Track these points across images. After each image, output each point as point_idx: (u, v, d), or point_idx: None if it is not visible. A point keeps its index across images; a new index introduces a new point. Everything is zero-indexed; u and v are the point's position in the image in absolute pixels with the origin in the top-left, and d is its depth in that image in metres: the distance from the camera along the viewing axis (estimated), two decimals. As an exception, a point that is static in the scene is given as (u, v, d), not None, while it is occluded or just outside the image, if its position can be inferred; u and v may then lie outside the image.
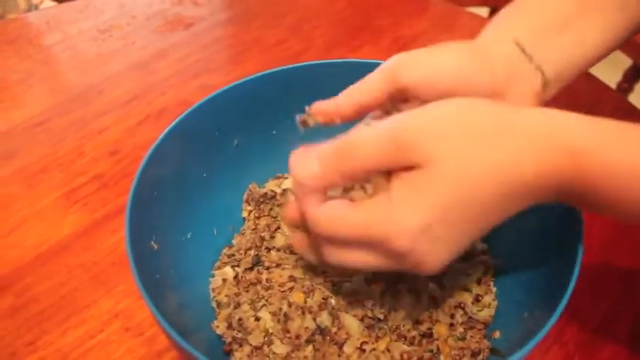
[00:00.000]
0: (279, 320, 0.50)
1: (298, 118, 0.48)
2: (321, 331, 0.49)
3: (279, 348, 0.49)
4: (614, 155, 0.36)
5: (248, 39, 0.92)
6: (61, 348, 0.55)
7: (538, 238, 0.51)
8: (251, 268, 0.55)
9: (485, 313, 0.51)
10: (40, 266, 0.62)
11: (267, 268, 0.54)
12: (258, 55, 0.89)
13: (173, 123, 0.52)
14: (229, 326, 0.51)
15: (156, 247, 0.49)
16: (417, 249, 0.37)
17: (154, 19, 0.96)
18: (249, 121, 0.58)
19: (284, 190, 0.60)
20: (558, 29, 0.47)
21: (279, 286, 0.52)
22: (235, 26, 0.97)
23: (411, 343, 0.49)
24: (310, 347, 0.48)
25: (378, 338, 0.49)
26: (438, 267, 0.39)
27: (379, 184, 0.38)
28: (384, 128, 0.37)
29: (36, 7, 1.57)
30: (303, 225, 0.44)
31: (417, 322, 0.50)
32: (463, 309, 0.51)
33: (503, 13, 0.50)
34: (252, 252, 0.56)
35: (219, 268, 0.56)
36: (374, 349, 0.48)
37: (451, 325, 0.50)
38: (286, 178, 0.61)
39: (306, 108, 0.48)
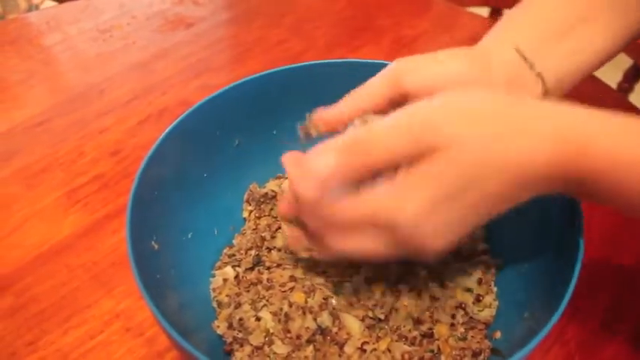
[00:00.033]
0: (279, 320, 0.50)
1: (300, 128, 0.48)
2: (322, 331, 0.49)
3: (280, 348, 0.49)
4: (618, 147, 0.36)
5: (249, 39, 0.92)
6: (62, 348, 0.55)
7: (539, 238, 0.51)
8: (252, 268, 0.55)
9: (486, 313, 0.51)
10: (40, 266, 0.62)
11: (268, 268, 0.54)
12: (258, 55, 0.89)
13: (174, 123, 0.52)
14: (230, 326, 0.51)
15: (156, 247, 0.49)
16: (419, 232, 0.38)
17: (154, 18, 0.96)
18: (250, 121, 0.58)
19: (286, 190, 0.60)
20: (560, 36, 0.47)
21: (279, 286, 0.52)
22: (236, 26, 0.97)
23: (412, 344, 0.49)
24: (311, 347, 0.48)
25: (378, 338, 0.49)
26: (439, 252, 0.39)
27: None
28: (401, 117, 0.38)
29: (36, 7, 1.57)
30: (297, 219, 0.45)
31: (417, 322, 0.50)
32: (464, 309, 0.51)
33: (505, 19, 0.50)
34: (252, 252, 0.56)
35: (219, 268, 0.56)
36: (375, 350, 0.48)
37: (452, 325, 0.50)
38: (287, 178, 0.61)
39: (307, 116, 0.48)
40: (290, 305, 0.50)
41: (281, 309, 0.50)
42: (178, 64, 0.87)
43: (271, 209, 0.59)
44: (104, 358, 0.55)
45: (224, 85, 0.55)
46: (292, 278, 0.52)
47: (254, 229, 0.58)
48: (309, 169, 0.39)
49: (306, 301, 0.51)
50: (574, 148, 0.36)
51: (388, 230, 0.38)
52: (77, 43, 0.91)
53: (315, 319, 0.49)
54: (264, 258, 0.55)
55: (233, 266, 0.55)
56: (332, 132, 0.47)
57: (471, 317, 0.51)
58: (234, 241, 0.58)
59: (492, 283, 0.53)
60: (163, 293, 0.45)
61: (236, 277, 0.54)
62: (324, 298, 0.51)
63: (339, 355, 0.48)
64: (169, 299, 0.46)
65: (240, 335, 0.50)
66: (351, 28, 0.96)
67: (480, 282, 0.53)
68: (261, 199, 0.59)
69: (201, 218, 0.55)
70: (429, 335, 0.49)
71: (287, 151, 0.42)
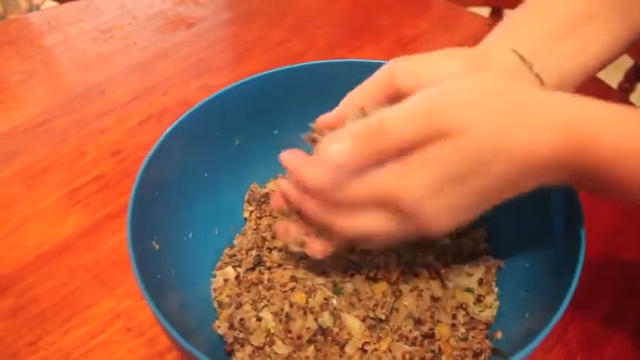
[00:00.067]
0: (280, 320, 0.50)
1: (305, 137, 0.48)
2: (323, 331, 0.49)
3: (281, 348, 0.48)
4: (623, 137, 0.37)
5: (249, 39, 0.92)
6: (63, 348, 0.55)
7: (540, 238, 0.50)
8: (252, 269, 0.55)
9: (487, 314, 0.51)
10: (41, 266, 0.62)
11: (269, 269, 0.54)
12: (259, 55, 0.89)
13: (175, 123, 0.52)
14: (231, 326, 0.51)
15: (157, 247, 0.49)
16: (424, 208, 0.38)
17: (155, 19, 0.96)
18: (251, 121, 0.58)
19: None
20: (561, 37, 0.48)
21: (280, 286, 0.52)
22: (237, 26, 0.97)
23: (413, 344, 0.49)
24: (312, 348, 0.48)
25: (379, 339, 0.49)
26: (442, 230, 0.40)
27: None
28: (413, 103, 0.38)
29: (37, 8, 1.57)
30: (290, 211, 0.46)
31: (418, 323, 0.50)
32: (465, 309, 0.51)
33: (507, 20, 0.50)
34: (253, 252, 0.56)
35: (220, 268, 0.56)
36: (375, 350, 0.48)
37: (453, 325, 0.50)
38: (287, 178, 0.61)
39: (310, 125, 0.48)
40: (291, 305, 0.50)
41: (282, 309, 0.50)
42: (179, 64, 0.87)
43: (272, 209, 0.59)
44: (105, 358, 0.55)
45: (225, 85, 0.55)
46: (293, 278, 0.52)
47: (255, 229, 0.58)
48: (324, 156, 0.40)
49: (307, 302, 0.51)
50: (581, 136, 0.37)
51: (394, 207, 0.39)
52: (78, 43, 0.91)
53: (316, 320, 0.49)
54: (265, 258, 0.55)
55: (234, 266, 0.55)
56: None
57: (472, 317, 0.51)
58: (235, 242, 0.58)
59: (493, 284, 0.53)
60: (164, 293, 0.45)
61: (237, 277, 0.54)
62: (325, 299, 0.51)
63: (340, 356, 0.48)
64: (170, 299, 0.46)
65: (241, 335, 0.50)
66: (352, 28, 0.96)
67: (480, 282, 0.53)
68: (262, 199, 0.59)
69: (201, 218, 0.55)
70: (429, 335, 0.49)
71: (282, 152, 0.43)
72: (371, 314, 0.50)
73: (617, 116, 0.38)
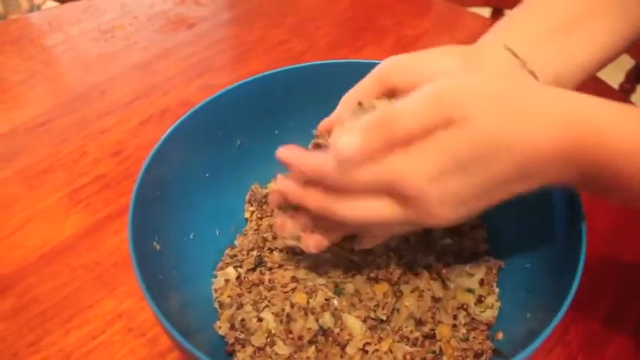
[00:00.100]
0: (281, 321, 0.50)
1: (311, 145, 0.48)
2: (324, 332, 0.49)
3: (282, 349, 0.48)
4: (624, 134, 0.37)
5: (250, 39, 0.92)
6: (64, 348, 0.55)
7: (540, 239, 0.50)
8: (253, 269, 0.55)
9: (488, 314, 0.51)
10: (42, 266, 0.62)
11: (270, 269, 0.54)
12: (260, 56, 0.89)
13: (176, 123, 0.52)
14: (232, 327, 0.51)
15: (158, 247, 0.49)
16: (427, 193, 0.38)
17: (156, 19, 0.96)
18: (252, 121, 0.58)
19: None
20: (558, 35, 0.48)
21: (281, 286, 0.52)
22: (237, 26, 0.97)
23: (414, 344, 0.49)
24: (313, 348, 0.48)
25: (380, 339, 0.49)
26: (442, 221, 0.40)
27: None
28: (423, 94, 0.39)
29: (38, 8, 1.57)
30: (287, 206, 0.46)
31: (419, 323, 0.50)
32: (466, 310, 0.51)
33: (505, 18, 0.51)
34: (254, 253, 0.56)
35: (221, 268, 0.56)
36: (376, 350, 0.48)
37: (454, 326, 0.50)
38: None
39: (313, 132, 0.48)
40: (292, 306, 0.50)
41: (283, 310, 0.50)
42: (180, 65, 0.87)
43: (273, 210, 0.59)
44: (106, 359, 0.55)
45: (226, 85, 0.55)
46: (294, 279, 0.52)
47: (256, 230, 0.58)
48: (334, 149, 0.40)
49: (308, 302, 0.51)
50: (584, 132, 0.37)
51: (397, 194, 0.39)
52: (79, 43, 0.92)
53: (316, 320, 0.49)
54: (265, 259, 0.55)
55: (235, 267, 0.55)
56: None
57: (473, 318, 0.51)
58: (236, 242, 0.58)
59: (494, 284, 0.53)
60: (165, 294, 0.45)
61: (238, 277, 0.54)
62: (325, 299, 0.51)
63: (341, 356, 0.48)
64: (171, 300, 0.46)
65: (242, 336, 0.50)
66: (353, 28, 0.96)
67: (481, 283, 0.53)
68: (263, 200, 0.59)
69: (202, 219, 0.55)
70: (430, 336, 0.49)
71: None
72: (372, 315, 0.50)
73: (619, 114, 0.38)
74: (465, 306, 0.51)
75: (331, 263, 0.53)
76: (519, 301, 0.50)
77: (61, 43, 0.91)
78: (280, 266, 0.54)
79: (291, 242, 0.48)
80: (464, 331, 0.50)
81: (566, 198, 0.47)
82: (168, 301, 0.44)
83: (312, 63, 0.58)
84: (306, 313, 0.50)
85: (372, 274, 0.52)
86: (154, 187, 0.49)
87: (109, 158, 0.73)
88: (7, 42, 0.92)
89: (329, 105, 0.49)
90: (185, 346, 0.38)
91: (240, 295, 0.53)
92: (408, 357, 0.48)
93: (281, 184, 0.45)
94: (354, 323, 0.49)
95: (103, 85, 0.84)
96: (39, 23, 0.96)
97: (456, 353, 0.48)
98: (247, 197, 0.60)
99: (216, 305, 0.53)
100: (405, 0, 1.01)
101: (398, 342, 0.49)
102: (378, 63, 0.48)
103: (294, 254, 0.54)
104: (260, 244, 0.56)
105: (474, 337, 0.49)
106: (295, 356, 0.48)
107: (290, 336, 0.49)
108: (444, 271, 0.53)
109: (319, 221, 0.45)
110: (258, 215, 0.59)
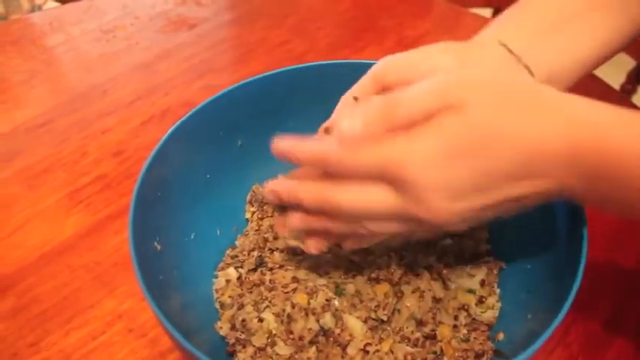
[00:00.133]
0: (282, 321, 0.50)
1: None
2: (325, 332, 0.49)
3: (283, 349, 0.48)
4: (628, 137, 0.37)
5: (251, 40, 0.92)
6: (64, 349, 0.55)
7: (542, 239, 0.50)
8: (254, 269, 0.55)
9: (489, 315, 0.51)
10: (42, 267, 0.62)
11: (271, 269, 0.54)
12: (261, 56, 0.89)
13: (177, 123, 0.52)
14: (233, 327, 0.51)
15: (159, 247, 0.49)
16: (422, 177, 0.38)
17: (157, 19, 0.96)
18: (253, 121, 0.58)
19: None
20: (555, 30, 0.48)
21: (282, 287, 0.52)
22: (239, 27, 0.97)
23: (415, 345, 0.49)
24: (313, 349, 0.48)
25: (381, 340, 0.49)
26: (441, 215, 0.39)
27: None
28: (427, 82, 0.39)
29: (39, 8, 1.57)
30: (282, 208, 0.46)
31: (420, 324, 0.50)
32: (467, 310, 0.51)
33: (502, 15, 0.51)
34: (255, 253, 0.56)
35: (222, 269, 0.56)
36: (377, 351, 0.48)
37: (455, 326, 0.50)
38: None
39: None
40: (293, 306, 0.50)
41: (284, 310, 0.50)
42: (181, 65, 0.87)
43: (274, 210, 0.59)
44: (107, 359, 0.55)
45: (227, 85, 0.55)
46: (295, 279, 0.52)
47: (257, 230, 0.58)
48: (337, 132, 0.40)
49: (308, 303, 0.51)
50: (585, 137, 0.37)
51: (395, 178, 0.38)
52: (80, 43, 0.92)
53: (317, 321, 0.49)
54: (266, 259, 0.55)
55: (236, 267, 0.55)
56: None
57: (474, 319, 0.51)
58: (237, 242, 0.58)
59: (495, 285, 0.53)
60: (166, 294, 0.45)
61: (239, 278, 0.54)
62: (326, 300, 0.51)
63: (342, 357, 0.48)
64: (172, 300, 0.46)
65: (242, 336, 0.50)
66: (354, 28, 0.96)
67: (482, 283, 0.52)
68: (264, 200, 0.59)
69: (203, 219, 0.55)
70: (431, 337, 0.49)
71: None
72: (373, 315, 0.50)
73: (622, 117, 0.38)
74: (465, 306, 0.51)
75: (332, 264, 0.53)
76: (520, 301, 0.50)
77: (62, 44, 0.91)
78: (281, 267, 0.54)
79: (293, 242, 0.48)
80: (465, 331, 0.50)
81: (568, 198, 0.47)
82: (169, 302, 0.44)
83: (314, 63, 0.58)
84: (306, 314, 0.50)
85: (373, 275, 0.52)
86: (154, 187, 0.49)
87: (109, 158, 0.73)
88: (8, 42, 0.92)
89: (330, 105, 0.49)
90: (186, 347, 0.38)
91: (241, 296, 0.53)
92: (409, 357, 0.48)
93: (272, 184, 0.45)
94: (354, 324, 0.49)
95: (104, 86, 0.84)
96: (40, 23, 0.97)
97: (456, 354, 0.48)
98: (248, 198, 0.60)
99: (217, 305, 0.53)
100: (406, 1, 1.01)
101: (399, 342, 0.49)
102: (379, 63, 0.48)
103: (295, 255, 0.54)
104: (261, 245, 0.56)
105: (474, 338, 0.49)
106: (296, 357, 0.48)
107: (291, 336, 0.49)
108: (444, 271, 0.53)
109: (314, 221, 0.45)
110: (259, 216, 0.59)
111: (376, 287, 0.51)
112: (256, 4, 1.01)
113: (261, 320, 0.50)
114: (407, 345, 0.49)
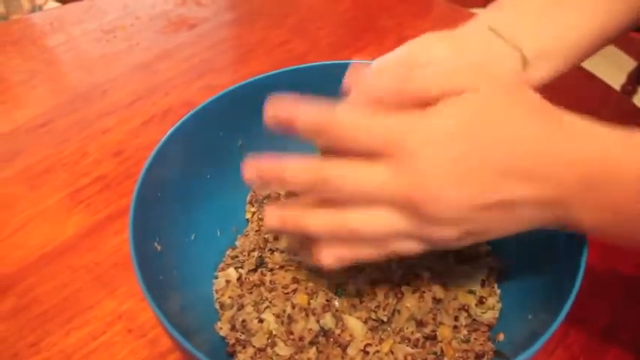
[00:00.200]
0: (282, 322, 0.50)
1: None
2: (325, 333, 0.49)
3: (283, 350, 0.48)
4: (626, 161, 0.36)
5: (252, 40, 0.92)
6: (64, 349, 0.55)
7: (542, 239, 0.50)
8: (254, 270, 0.55)
9: (490, 315, 0.51)
10: (43, 267, 0.62)
11: (271, 270, 0.54)
12: (261, 56, 0.89)
13: (177, 124, 0.52)
14: (233, 328, 0.51)
15: (159, 248, 0.49)
16: (423, 152, 0.36)
17: (157, 19, 0.96)
18: (253, 121, 0.58)
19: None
20: (542, 11, 0.49)
21: (282, 287, 0.52)
22: (239, 27, 0.97)
23: (415, 346, 0.49)
24: (314, 349, 0.48)
25: (381, 340, 0.49)
26: (444, 202, 0.37)
27: None
28: (440, 67, 0.39)
29: (40, 8, 1.57)
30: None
31: (420, 324, 0.50)
32: (467, 311, 0.51)
33: (494, 2, 0.51)
34: (255, 253, 0.56)
35: (222, 269, 0.56)
36: (377, 352, 0.48)
37: (455, 327, 0.50)
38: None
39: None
40: (293, 307, 0.50)
41: (284, 311, 0.50)
42: (181, 65, 0.87)
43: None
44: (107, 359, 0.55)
45: (227, 85, 0.55)
46: (295, 280, 0.52)
47: (257, 231, 0.58)
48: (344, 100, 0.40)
49: (308, 303, 0.51)
50: (594, 149, 0.37)
51: (396, 153, 0.37)
52: (80, 43, 0.92)
53: (317, 321, 0.49)
54: (267, 259, 0.55)
55: (236, 268, 0.55)
56: None
57: (474, 319, 0.51)
58: (237, 243, 0.58)
59: (495, 285, 0.53)
60: (166, 294, 0.45)
61: (239, 278, 0.54)
62: (326, 300, 0.51)
63: (342, 357, 0.48)
64: (172, 300, 0.46)
65: (242, 337, 0.50)
66: (354, 29, 0.96)
67: (483, 284, 0.52)
68: (264, 201, 0.59)
69: (204, 219, 0.55)
70: (431, 337, 0.49)
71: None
72: (373, 316, 0.50)
73: (629, 140, 0.37)
74: (466, 307, 0.51)
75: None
76: (521, 302, 0.50)
77: (62, 44, 0.91)
78: (281, 267, 0.54)
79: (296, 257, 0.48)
80: (465, 332, 0.50)
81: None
82: (169, 302, 0.44)
83: (315, 64, 0.58)
84: (307, 314, 0.50)
85: (373, 275, 0.52)
86: (155, 187, 0.49)
87: (110, 159, 0.73)
88: (9, 42, 0.92)
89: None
90: (186, 347, 0.38)
91: (241, 296, 0.53)
92: (409, 358, 0.48)
93: (259, 166, 0.45)
94: (355, 324, 0.49)
95: (104, 86, 0.84)
96: (41, 24, 0.97)
97: (457, 354, 0.48)
98: (248, 198, 0.60)
99: (217, 306, 0.53)
100: (406, 1, 1.01)
101: (399, 343, 0.49)
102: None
103: (295, 255, 0.54)
104: (261, 245, 0.56)
105: (475, 339, 0.49)
106: (296, 357, 0.48)
107: (291, 337, 0.49)
108: (445, 271, 0.52)
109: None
110: (260, 216, 0.59)
111: (376, 288, 0.51)
112: (256, 4, 1.01)
113: (261, 321, 0.50)
114: (407, 346, 0.49)
